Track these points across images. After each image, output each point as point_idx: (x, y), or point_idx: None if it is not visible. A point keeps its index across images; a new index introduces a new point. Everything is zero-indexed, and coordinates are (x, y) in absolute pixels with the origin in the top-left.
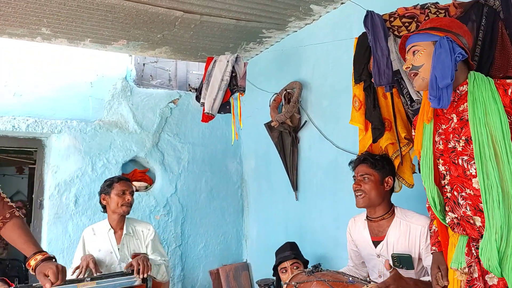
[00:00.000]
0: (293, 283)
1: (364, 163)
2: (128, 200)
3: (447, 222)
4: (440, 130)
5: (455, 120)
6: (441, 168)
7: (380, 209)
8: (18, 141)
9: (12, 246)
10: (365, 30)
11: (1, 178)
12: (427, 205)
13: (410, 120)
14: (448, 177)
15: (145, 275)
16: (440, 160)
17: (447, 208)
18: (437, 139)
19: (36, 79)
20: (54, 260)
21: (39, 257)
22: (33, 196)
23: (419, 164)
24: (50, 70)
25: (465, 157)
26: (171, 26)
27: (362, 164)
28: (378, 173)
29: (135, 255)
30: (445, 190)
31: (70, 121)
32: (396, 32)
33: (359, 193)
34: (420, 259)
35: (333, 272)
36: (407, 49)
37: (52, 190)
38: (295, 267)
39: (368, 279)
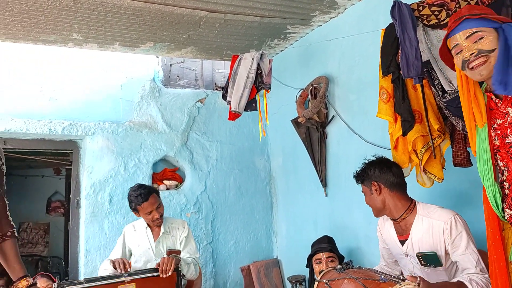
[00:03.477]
0: (324, 280)
1: (357, 182)
2: (156, 217)
3: (506, 218)
4: (495, 125)
5: (511, 114)
6: (500, 164)
7: (393, 210)
8: (54, 144)
9: (52, 244)
10: (392, 21)
11: (40, 179)
12: (484, 204)
13: (442, 112)
14: (506, 173)
15: (165, 275)
16: (497, 156)
17: (504, 205)
18: (492, 134)
19: (70, 84)
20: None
21: (30, 280)
22: (70, 196)
23: (453, 158)
24: (82, 74)
25: None
26: (196, 26)
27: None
28: (364, 185)
29: (170, 252)
30: (503, 186)
31: (102, 123)
32: (425, 22)
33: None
34: (448, 254)
35: (365, 269)
36: (462, 34)
37: (88, 190)
38: (330, 260)
39: (401, 276)
